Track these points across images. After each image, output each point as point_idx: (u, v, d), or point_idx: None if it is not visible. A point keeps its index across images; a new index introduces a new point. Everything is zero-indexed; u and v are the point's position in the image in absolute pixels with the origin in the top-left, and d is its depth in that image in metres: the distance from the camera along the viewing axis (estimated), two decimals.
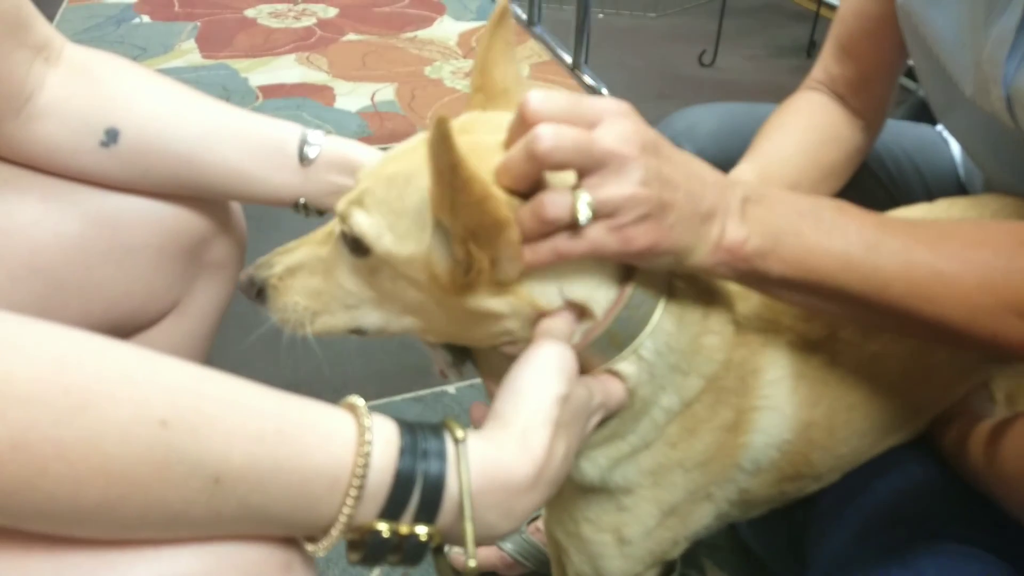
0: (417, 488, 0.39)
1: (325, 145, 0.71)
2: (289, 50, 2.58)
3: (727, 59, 2.65)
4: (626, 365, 0.53)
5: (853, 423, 0.65)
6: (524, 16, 2.82)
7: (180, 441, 0.35)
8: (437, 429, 0.42)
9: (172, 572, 0.37)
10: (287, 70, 2.44)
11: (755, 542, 0.96)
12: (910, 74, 0.89)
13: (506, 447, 0.43)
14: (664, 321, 0.53)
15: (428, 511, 0.40)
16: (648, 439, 0.58)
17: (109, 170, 0.66)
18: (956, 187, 0.91)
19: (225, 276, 0.78)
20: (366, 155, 0.72)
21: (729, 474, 0.62)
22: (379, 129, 2.12)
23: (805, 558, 0.70)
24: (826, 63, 0.85)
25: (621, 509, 0.61)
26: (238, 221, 0.79)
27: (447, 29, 2.83)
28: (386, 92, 2.33)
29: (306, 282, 0.53)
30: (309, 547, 0.41)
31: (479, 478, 0.41)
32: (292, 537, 0.42)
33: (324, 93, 2.30)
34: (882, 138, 0.88)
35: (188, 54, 2.51)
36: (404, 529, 0.39)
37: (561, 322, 0.50)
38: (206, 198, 0.73)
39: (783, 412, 0.61)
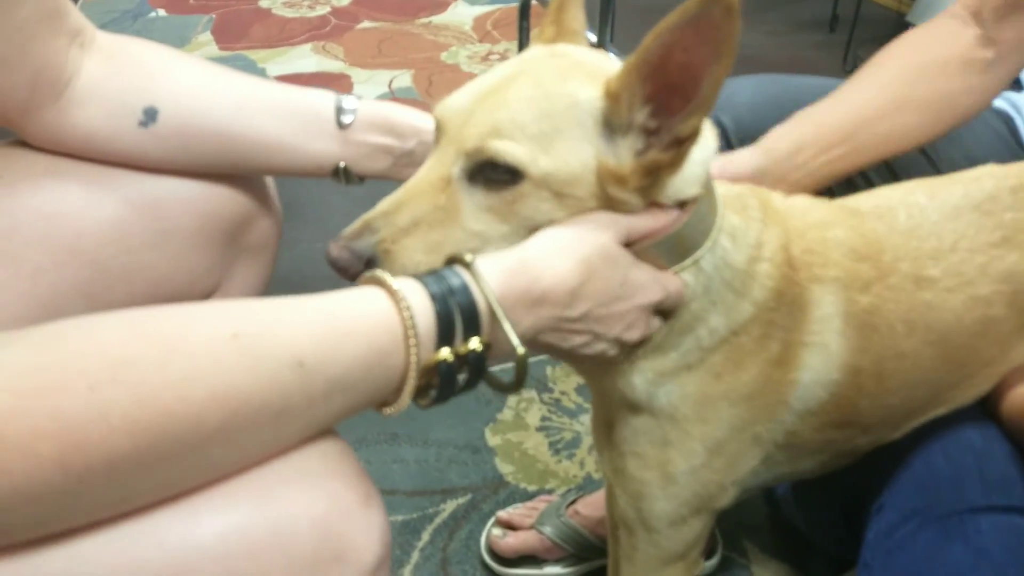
0: (457, 317, 0.45)
1: (361, 108, 0.71)
2: (305, 39, 2.57)
3: (748, 34, 2.59)
4: (686, 275, 0.56)
5: (903, 373, 0.64)
6: None
7: (256, 343, 0.39)
8: (448, 267, 0.48)
9: (275, 507, 0.41)
10: (303, 59, 2.43)
11: (802, 518, 0.95)
12: None
13: (506, 258, 0.49)
14: (722, 237, 0.57)
15: (473, 330, 0.46)
16: (690, 360, 0.58)
17: (149, 150, 0.66)
18: None
19: (263, 259, 0.78)
20: (404, 114, 0.71)
21: (777, 412, 0.62)
22: None
23: (858, 531, 0.69)
24: None
25: (667, 444, 0.61)
26: (274, 205, 0.79)
27: (462, 14, 2.81)
28: (403, 79, 2.32)
29: (426, 236, 0.50)
30: (387, 411, 0.46)
31: (497, 286, 0.47)
32: (367, 475, 0.47)
33: (341, 82, 2.29)
34: None
35: (205, 46, 2.51)
36: (463, 349, 0.46)
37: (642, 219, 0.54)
38: (245, 173, 0.73)
39: (831, 350, 0.61)
